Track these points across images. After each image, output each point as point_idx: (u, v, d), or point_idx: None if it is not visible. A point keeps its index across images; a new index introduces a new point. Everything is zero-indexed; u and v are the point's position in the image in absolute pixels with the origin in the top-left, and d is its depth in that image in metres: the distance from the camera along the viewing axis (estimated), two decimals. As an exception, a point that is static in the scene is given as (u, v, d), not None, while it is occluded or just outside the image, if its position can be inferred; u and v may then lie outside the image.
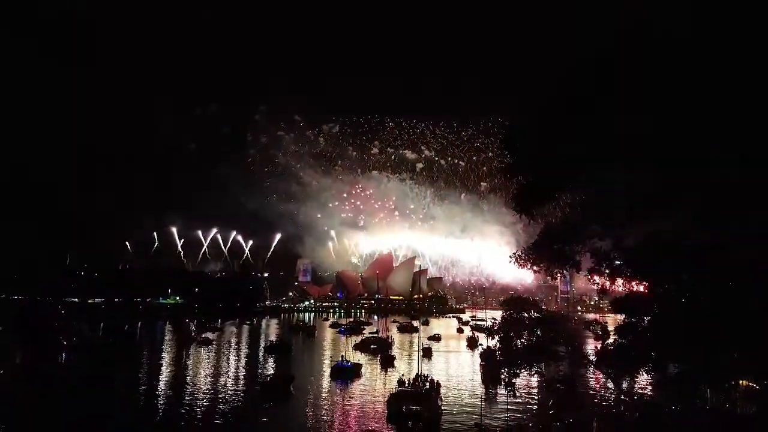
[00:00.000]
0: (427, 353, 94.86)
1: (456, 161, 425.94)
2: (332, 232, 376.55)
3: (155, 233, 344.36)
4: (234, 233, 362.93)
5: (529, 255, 21.24)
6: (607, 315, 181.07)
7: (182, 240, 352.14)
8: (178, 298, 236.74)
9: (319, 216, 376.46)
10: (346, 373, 70.89)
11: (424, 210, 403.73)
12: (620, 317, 21.94)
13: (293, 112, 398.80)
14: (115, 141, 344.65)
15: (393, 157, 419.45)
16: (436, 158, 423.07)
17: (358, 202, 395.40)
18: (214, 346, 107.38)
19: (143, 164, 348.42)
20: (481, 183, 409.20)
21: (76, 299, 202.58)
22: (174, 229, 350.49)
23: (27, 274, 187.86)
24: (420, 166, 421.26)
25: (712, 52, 16.79)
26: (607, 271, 20.38)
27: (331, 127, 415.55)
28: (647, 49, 17.57)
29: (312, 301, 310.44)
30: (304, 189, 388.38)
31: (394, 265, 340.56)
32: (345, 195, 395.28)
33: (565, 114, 18.45)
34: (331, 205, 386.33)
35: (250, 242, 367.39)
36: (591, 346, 30.50)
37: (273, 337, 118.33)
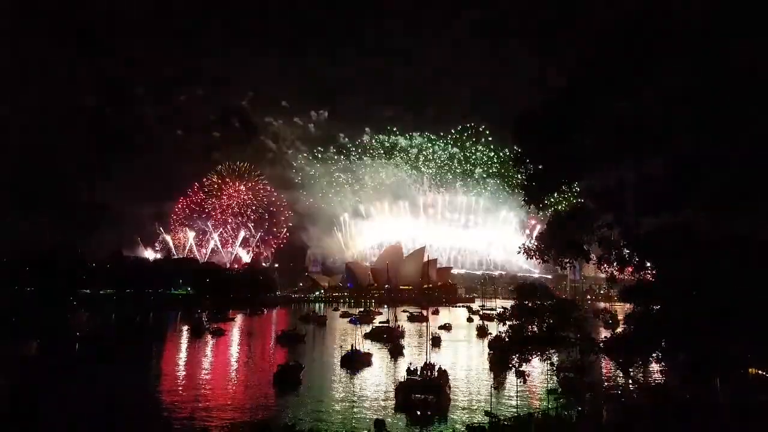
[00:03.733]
0: (436, 342, 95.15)
1: (450, 148, 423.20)
2: (341, 220, 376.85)
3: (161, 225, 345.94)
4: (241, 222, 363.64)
5: (538, 245, 21.32)
6: (616, 304, 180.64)
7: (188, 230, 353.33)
8: (189, 289, 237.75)
9: (320, 205, 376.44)
10: (356, 362, 71.27)
11: (423, 197, 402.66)
12: (629, 306, 22.02)
13: (281, 98, 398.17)
14: (118, 133, 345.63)
15: (385, 143, 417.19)
16: (429, 144, 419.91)
17: (357, 190, 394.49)
18: (225, 336, 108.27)
19: (147, 155, 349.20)
20: (475, 171, 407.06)
21: (88, 290, 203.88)
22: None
23: (39, 265, 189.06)
24: (414, 152, 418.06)
25: (723, 42, 16.73)
26: (617, 261, 20.45)
27: (320, 113, 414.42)
28: (657, 37, 17.52)
29: (322, 291, 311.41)
30: (298, 176, 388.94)
31: (403, 255, 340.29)
32: (342, 183, 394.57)
33: (575, 104, 18.46)
34: (329, 193, 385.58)
35: (260, 233, 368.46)
36: (601, 334, 30.60)
37: (284, 327, 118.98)
